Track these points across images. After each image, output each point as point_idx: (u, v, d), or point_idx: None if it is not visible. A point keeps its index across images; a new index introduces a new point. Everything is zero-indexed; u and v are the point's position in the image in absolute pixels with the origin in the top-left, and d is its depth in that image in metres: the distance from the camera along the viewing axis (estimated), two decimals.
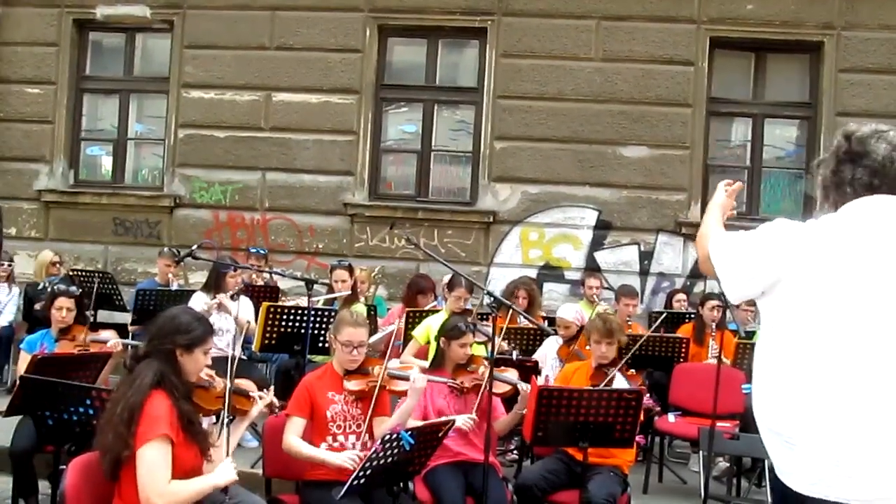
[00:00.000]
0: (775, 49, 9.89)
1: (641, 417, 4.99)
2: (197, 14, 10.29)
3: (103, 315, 8.44)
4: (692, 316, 8.25)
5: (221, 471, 3.56)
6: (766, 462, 6.29)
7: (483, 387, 4.93)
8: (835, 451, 2.40)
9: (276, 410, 4.25)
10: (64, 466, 3.81)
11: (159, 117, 10.63)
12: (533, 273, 9.65)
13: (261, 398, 4.11)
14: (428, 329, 6.90)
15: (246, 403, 4.07)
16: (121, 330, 7.03)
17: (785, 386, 2.50)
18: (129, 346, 5.77)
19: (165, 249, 8.92)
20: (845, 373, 2.40)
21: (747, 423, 6.68)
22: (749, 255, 2.62)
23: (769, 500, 5.69)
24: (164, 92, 10.48)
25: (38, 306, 7.90)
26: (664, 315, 7.21)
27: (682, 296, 9.12)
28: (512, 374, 5.31)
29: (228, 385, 3.87)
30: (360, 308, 7.30)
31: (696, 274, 9.70)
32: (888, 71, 9.50)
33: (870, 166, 2.51)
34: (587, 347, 5.83)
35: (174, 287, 8.22)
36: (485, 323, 6.65)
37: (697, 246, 2.91)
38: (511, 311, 6.15)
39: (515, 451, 6.89)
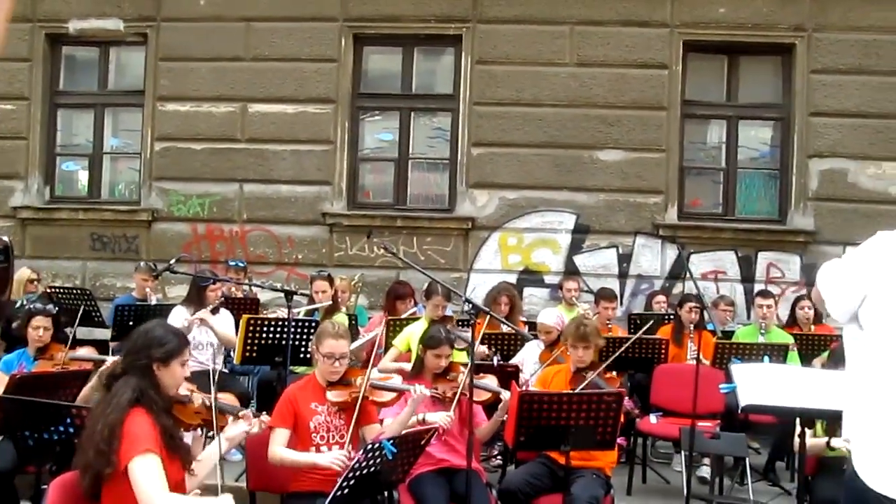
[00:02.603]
0: (748, 51, 9.99)
1: (622, 419, 5.02)
2: (171, 27, 10.26)
3: (82, 332, 8.34)
4: (671, 318, 8.32)
5: (222, 500, 3.54)
6: (747, 460, 6.37)
7: (459, 393, 4.95)
8: None
9: (260, 429, 4.20)
10: (45, 486, 3.78)
11: (135, 131, 10.58)
12: (512, 278, 9.69)
13: (240, 418, 4.06)
14: (409, 337, 6.92)
15: (223, 420, 4.06)
16: (100, 346, 6.98)
17: (884, 392, 2.60)
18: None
19: (142, 264, 8.86)
20: None
21: (728, 421, 6.77)
22: (846, 271, 2.77)
23: (751, 497, 5.73)
24: (139, 105, 10.43)
25: (14, 325, 7.83)
26: (650, 323, 7.25)
27: (661, 297, 9.18)
28: (491, 381, 5.33)
29: (213, 400, 3.86)
30: (341, 318, 7.31)
31: (675, 275, 9.78)
32: (859, 71, 9.62)
33: None
34: (566, 351, 5.85)
35: (153, 301, 8.17)
36: (464, 329, 6.68)
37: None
38: (491, 316, 6.19)
39: (499, 457, 6.91)
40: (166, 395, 3.61)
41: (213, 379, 3.88)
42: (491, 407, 5.28)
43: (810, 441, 4.75)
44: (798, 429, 4.87)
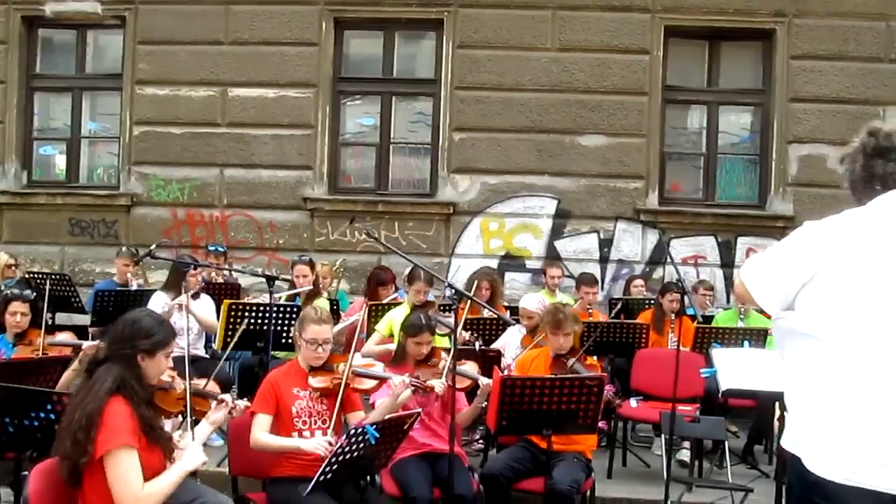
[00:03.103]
0: (728, 37, 10.01)
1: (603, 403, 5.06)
2: (149, 9, 10.16)
3: (62, 317, 8.32)
4: (651, 302, 8.36)
5: (189, 455, 3.54)
6: (726, 444, 6.44)
7: (442, 378, 4.97)
8: (875, 440, 2.43)
9: (234, 413, 4.21)
10: (26, 472, 3.77)
11: (113, 115, 10.50)
12: (494, 263, 9.70)
13: (223, 401, 4.08)
14: (391, 322, 6.92)
15: (206, 405, 4.05)
16: (80, 332, 6.93)
17: (822, 373, 2.53)
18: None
19: (123, 249, 8.82)
20: (886, 361, 2.44)
21: (707, 406, 6.83)
22: (780, 262, 2.68)
23: (730, 480, 5.78)
24: (117, 89, 10.33)
25: None
26: (619, 305, 7.29)
27: (639, 281, 9.21)
28: (471, 368, 5.34)
29: (188, 387, 3.85)
30: (322, 303, 7.30)
31: (655, 260, 9.83)
32: (838, 57, 9.67)
33: None
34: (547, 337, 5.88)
35: (133, 287, 8.12)
36: (446, 314, 6.68)
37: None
38: (473, 301, 6.21)
39: (481, 441, 6.93)
40: (147, 385, 3.59)
41: (188, 367, 3.87)
42: (471, 394, 5.30)
43: None
44: (777, 412, 4.94)
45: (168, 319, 6.37)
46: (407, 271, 7.49)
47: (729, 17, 9.77)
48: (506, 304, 8.32)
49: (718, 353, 5.09)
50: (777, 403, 4.98)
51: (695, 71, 10.23)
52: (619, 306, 8.38)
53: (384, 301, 7.74)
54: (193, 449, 3.56)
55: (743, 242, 9.81)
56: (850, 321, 2.49)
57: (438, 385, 4.90)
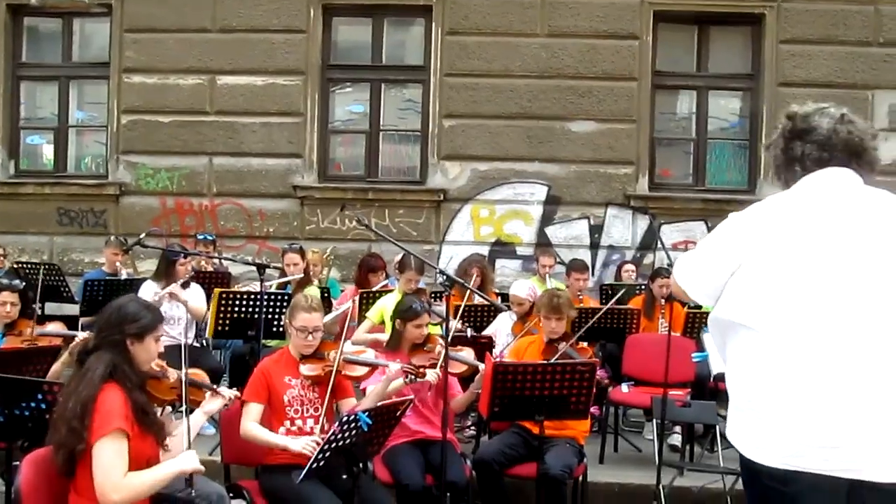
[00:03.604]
0: (718, 21, 10.01)
1: (595, 389, 5.07)
2: None
3: (51, 307, 8.29)
4: (642, 288, 8.37)
5: (184, 458, 3.54)
6: (717, 428, 6.46)
7: (439, 366, 4.96)
8: (810, 423, 2.42)
9: (228, 404, 4.21)
10: (17, 462, 3.75)
11: (101, 103, 10.43)
12: (485, 250, 9.71)
13: (217, 393, 4.07)
14: (382, 309, 6.92)
15: (199, 395, 4.04)
16: (70, 322, 6.91)
17: (755, 360, 2.52)
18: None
19: (112, 238, 8.79)
20: (819, 343, 2.43)
21: (698, 390, 6.85)
22: (707, 254, 2.69)
23: (721, 464, 5.82)
24: (104, 77, 10.27)
25: None
26: (622, 292, 7.30)
27: (630, 267, 9.23)
28: (468, 354, 5.34)
29: (184, 375, 3.84)
30: (313, 291, 7.28)
31: (646, 245, 9.85)
32: (827, 42, 9.68)
33: (817, 140, 2.63)
34: (539, 323, 5.88)
35: (123, 276, 8.09)
36: (437, 303, 6.68)
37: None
38: (464, 288, 6.21)
39: (473, 427, 6.94)
40: (140, 370, 3.59)
41: (185, 356, 3.85)
42: (467, 380, 5.30)
43: None
44: None
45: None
46: (398, 259, 7.48)
47: (718, 2, 9.78)
48: (496, 290, 8.32)
49: (709, 338, 5.08)
50: None
51: (684, 56, 10.23)
52: (610, 293, 8.39)
53: (375, 289, 7.73)
54: (188, 454, 3.55)
55: None
56: (779, 308, 2.48)
57: (431, 375, 4.90)
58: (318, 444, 4.20)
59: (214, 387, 4.13)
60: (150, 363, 3.69)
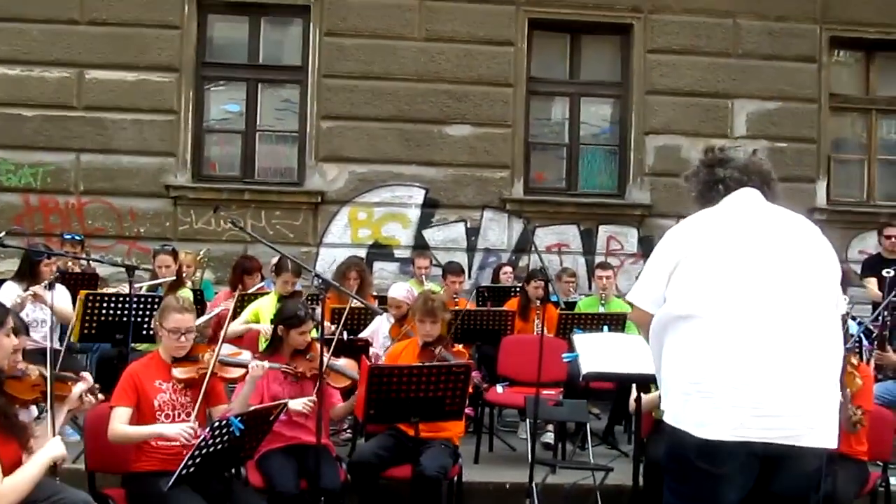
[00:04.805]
0: (589, 30, 10.31)
1: (470, 390, 5.14)
2: None
3: None
4: (518, 290, 8.53)
5: (50, 446, 3.41)
6: (587, 426, 6.65)
7: (321, 376, 4.93)
8: (752, 396, 2.79)
9: (97, 396, 4.07)
10: None
11: None
12: (362, 252, 9.69)
13: (81, 378, 3.93)
14: (257, 310, 6.86)
15: (65, 389, 3.89)
16: None
17: (698, 345, 2.88)
18: None
19: None
20: (755, 326, 2.84)
21: (570, 389, 7.03)
22: (649, 268, 3.12)
23: (591, 460, 5.95)
24: None
25: None
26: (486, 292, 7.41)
27: (508, 269, 9.40)
28: (349, 364, 5.31)
29: (49, 373, 3.69)
30: (185, 293, 7.11)
31: (521, 248, 10.04)
32: (691, 52, 10.13)
33: (737, 167, 3.16)
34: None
35: None
36: (313, 305, 6.64)
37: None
38: (341, 292, 6.19)
39: (349, 431, 6.93)
40: None
41: (52, 359, 3.71)
42: (348, 393, 5.29)
43: (645, 397, 5.01)
44: (634, 393, 5.14)
45: (20, 310, 6.16)
46: (274, 261, 7.40)
47: (589, 11, 10.07)
48: (374, 293, 8.32)
49: (580, 339, 5.25)
50: (634, 385, 5.17)
51: (557, 63, 10.49)
52: (486, 294, 8.52)
53: (250, 291, 7.62)
54: (53, 441, 3.43)
55: (603, 230, 10.14)
56: (719, 296, 2.88)
57: (297, 405, 4.84)
58: (193, 430, 4.12)
59: (81, 375, 3.98)
60: (5, 360, 3.53)
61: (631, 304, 3.23)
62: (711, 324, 2.86)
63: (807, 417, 2.82)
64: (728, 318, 2.85)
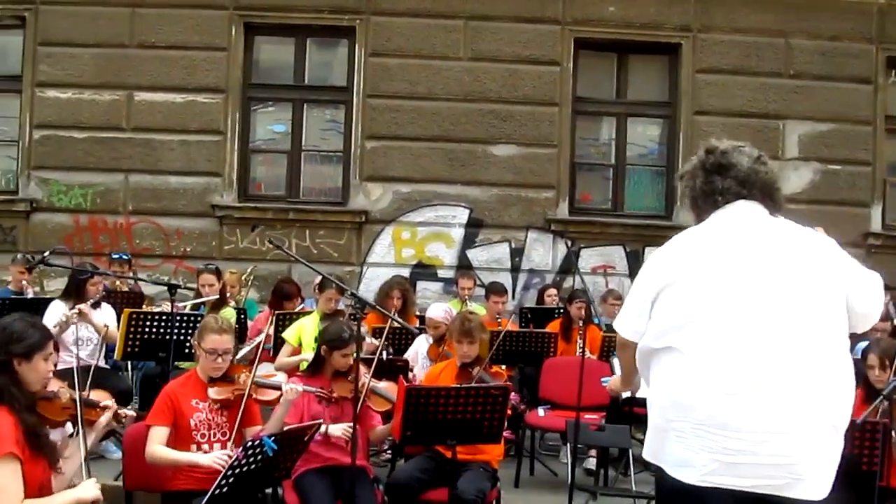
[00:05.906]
0: (636, 50, 10.21)
1: (509, 412, 5.06)
2: (50, 10, 9.84)
3: None
4: (562, 311, 8.43)
5: (84, 487, 3.40)
6: (630, 452, 6.51)
7: (362, 399, 4.89)
8: (724, 440, 2.54)
9: (124, 421, 4.08)
10: None
11: (12, 117, 10.11)
12: (406, 272, 9.67)
13: (106, 407, 3.93)
14: (299, 329, 6.84)
15: (94, 414, 3.90)
16: None
17: (675, 380, 2.65)
18: None
19: (19, 256, 8.49)
20: (732, 361, 2.56)
21: (613, 414, 6.89)
22: (632, 295, 2.86)
23: (633, 488, 5.85)
24: (16, 91, 9.98)
25: None
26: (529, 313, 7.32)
27: (553, 291, 9.30)
28: (391, 388, 5.24)
29: (77, 396, 3.70)
30: (228, 313, 7.15)
31: (566, 269, 9.93)
32: (741, 72, 9.96)
33: (737, 177, 2.84)
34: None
35: (29, 295, 7.84)
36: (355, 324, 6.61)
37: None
38: (379, 311, 6.16)
39: (389, 451, 6.88)
40: (29, 392, 3.44)
41: (77, 375, 3.72)
42: (388, 415, 5.24)
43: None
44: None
45: (66, 329, 6.23)
46: (317, 280, 7.40)
47: (637, 31, 9.97)
48: (418, 313, 8.28)
49: (618, 363, 5.13)
50: None
51: (604, 83, 10.41)
52: (529, 316, 8.43)
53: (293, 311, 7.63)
54: (87, 483, 3.41)
55: (650, 252, 9.94)
56: (701, 329, 2.62)
57: (336, 430, 4.82)
58: (229, 457, 4.09)
59: (105, 403, 3.98)
60: (41, 383, 3.54)
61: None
62: (689, 358, 2.60)
63: (794, 467, 2.53)
64: (708, 353, 2.58)
